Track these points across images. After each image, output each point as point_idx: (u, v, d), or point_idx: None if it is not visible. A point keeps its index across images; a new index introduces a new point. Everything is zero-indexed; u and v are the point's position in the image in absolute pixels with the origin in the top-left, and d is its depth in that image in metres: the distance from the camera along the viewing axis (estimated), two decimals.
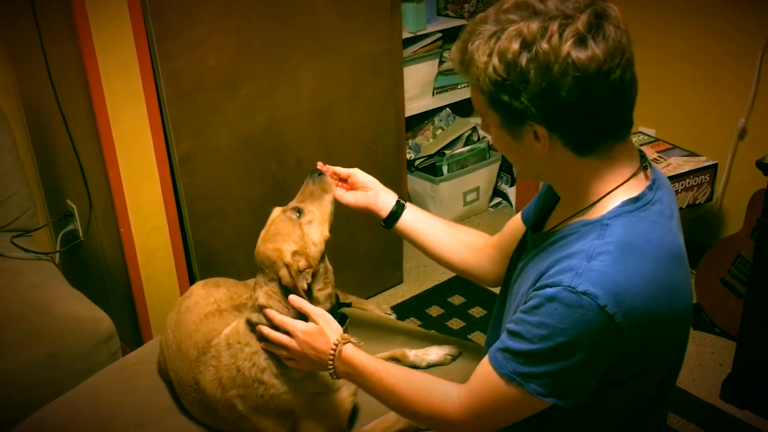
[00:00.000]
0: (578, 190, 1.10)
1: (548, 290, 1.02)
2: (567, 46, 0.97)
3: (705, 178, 2.54)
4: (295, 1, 2.28)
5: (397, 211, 1.49)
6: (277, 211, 1.50)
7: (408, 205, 1.51)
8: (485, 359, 1.12)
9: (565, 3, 1.00)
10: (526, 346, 1.04)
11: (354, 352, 1.26)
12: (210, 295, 1.69)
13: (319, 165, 1.50)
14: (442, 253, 1.50)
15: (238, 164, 2.34)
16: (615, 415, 1.16)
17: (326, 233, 1.46)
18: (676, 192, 2.49)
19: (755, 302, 2.12)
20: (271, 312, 1.37)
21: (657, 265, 1.04)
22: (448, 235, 1.51)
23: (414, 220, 1.49)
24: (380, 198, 1.50)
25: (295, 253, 1.39)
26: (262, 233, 1.47)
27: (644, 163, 1.12)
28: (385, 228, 1.50)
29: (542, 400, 1.05)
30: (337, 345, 1.27)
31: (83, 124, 2.11)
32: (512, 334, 1.07)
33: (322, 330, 1.30)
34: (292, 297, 1.37)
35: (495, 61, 1.00)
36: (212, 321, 1.59)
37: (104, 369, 1.81)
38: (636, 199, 1.07)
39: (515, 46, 0.99)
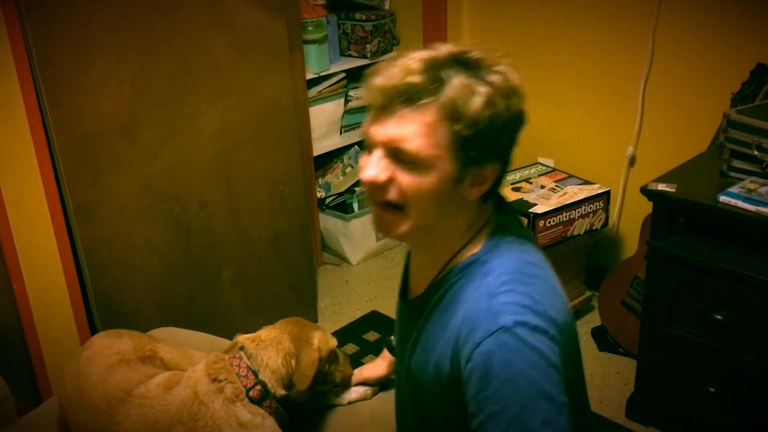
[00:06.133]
0: (452, 238, 1.09)
1: (482, 349, 0.97)
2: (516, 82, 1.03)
3: (599, 205, 2.66)
4: (192, 46, 2.27)
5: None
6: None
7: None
8: None
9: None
10: (508, 417, 0.95)
11: None
12: (113, 345, 1.64)
13: None
14: None
15: (139, 211, 2.29)
16: None
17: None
18: (573, 219, 2.60)
19: (650, 322, 2.22)
20: None
21: (544, 279, 1.06)
22: None
23: None
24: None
25: None
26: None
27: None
28: None
29: None
30: None
31: None
32: (490, 425, 0.97)
33: None
34: None
35: (493, 101, 0.98)
36: (121, 371, 1.54)
37: None
38: (496, 230, 1.09)
39: (510, 80, 1.00)
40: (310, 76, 3.09)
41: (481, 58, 1.01)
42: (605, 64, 2.76)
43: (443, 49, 1.02)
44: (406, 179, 1.01)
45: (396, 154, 1.01)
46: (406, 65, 0.99)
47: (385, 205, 1.05)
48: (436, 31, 3.15)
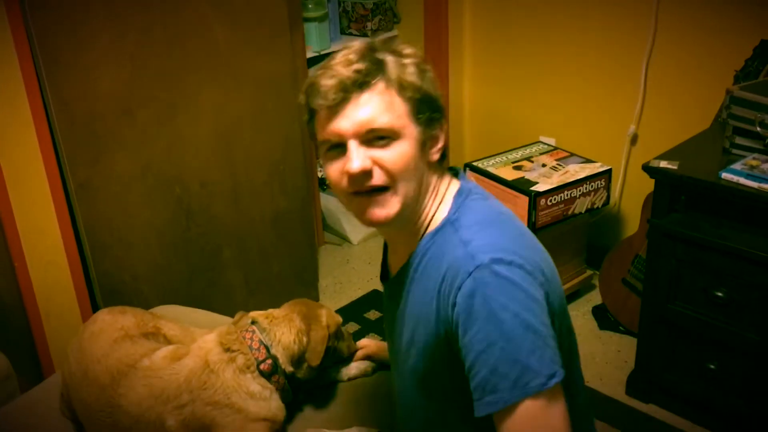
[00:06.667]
0: (425, 208, 1.15)
1: (463, 291, 1.01)
2: None
3: (601, 183, 2.65)
4: (190, 25, 2.26)
5: None
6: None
7: None
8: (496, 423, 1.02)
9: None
10: (495, 352, 0.98)
11: None
12: (116, 321, 1.65)
13: None
14: None
15: (140, 190, 2.29)
16: None
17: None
18: (574, 198, 2.59)
19: (651, 299, 2.22)
20: None
21: (516, 226, 1.13)
22: None
23: None
24: None
25: None
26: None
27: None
28: None
29: (554, 384, 0.98)
30: None
31: None
32: (480, 363, 1.00)
33: None
34: None
35: (420, 67, 1.11)
36: (125, 346, 1.56)
37: (0, 410, 1.73)
38: (461, 191, 1.16)
39: (419, 54, 1.13)
40: (310, 54, 3.07)
41: (390, 43, 1.14)
42: (607, 42, 2.74)
43: (364, 42, 1.13)
44: (386, 156, 1.08)
45: (369, 138, 1.08)
46: (345, 59, 1.09)
47: (373, 191, 1.10)
48: (437, 6, 3.12)
